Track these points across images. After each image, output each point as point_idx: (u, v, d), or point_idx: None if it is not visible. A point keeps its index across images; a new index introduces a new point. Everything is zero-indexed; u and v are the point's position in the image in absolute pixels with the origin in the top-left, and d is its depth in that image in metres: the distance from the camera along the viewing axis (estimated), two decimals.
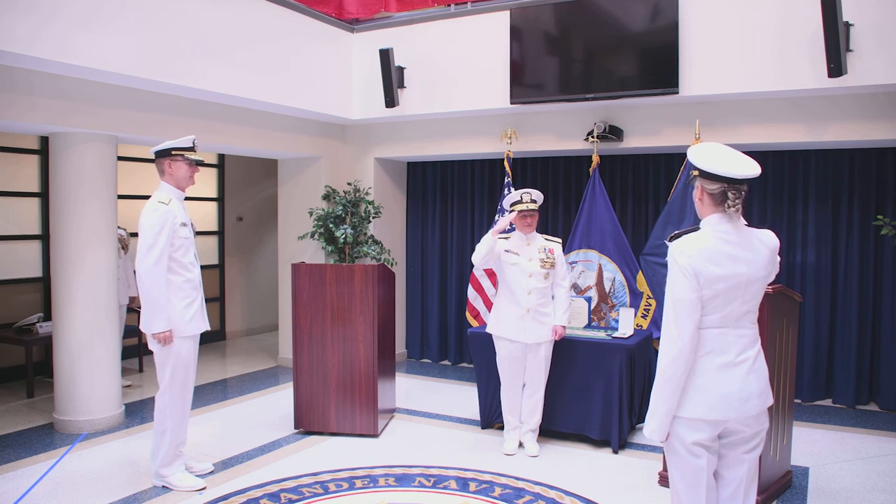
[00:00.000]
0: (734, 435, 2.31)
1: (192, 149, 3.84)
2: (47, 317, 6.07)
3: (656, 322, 5.13)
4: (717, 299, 2.22)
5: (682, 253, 2.23)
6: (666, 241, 2.40)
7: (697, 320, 2.22)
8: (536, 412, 4.42)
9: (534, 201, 4.33)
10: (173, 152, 3.78)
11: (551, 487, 3.85)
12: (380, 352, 4.67)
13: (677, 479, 2.33)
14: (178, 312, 3.72)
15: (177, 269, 3.73)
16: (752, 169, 2.23)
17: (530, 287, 4.28)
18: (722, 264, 2.22)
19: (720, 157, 2.26)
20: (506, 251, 4.33)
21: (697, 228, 2.31)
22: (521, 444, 4.48)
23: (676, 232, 2.33)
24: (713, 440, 2.29)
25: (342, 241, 6.33)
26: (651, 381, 4.86)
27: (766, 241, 2.32)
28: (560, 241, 4.50)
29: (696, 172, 2.32)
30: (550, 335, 4.32)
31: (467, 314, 5.86)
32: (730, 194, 2.23)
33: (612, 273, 5.29)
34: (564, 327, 4.37)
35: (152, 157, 3.83)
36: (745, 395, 2.25)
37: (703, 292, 2.21)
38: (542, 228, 6.40)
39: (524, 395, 4.43)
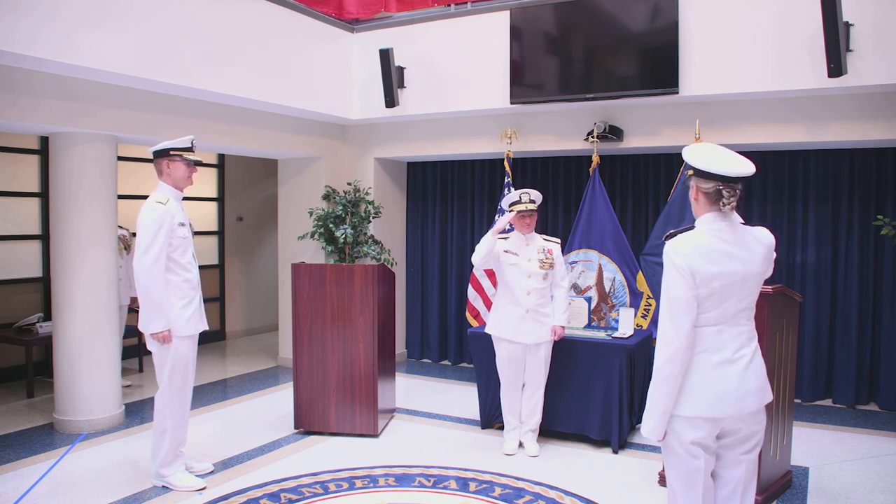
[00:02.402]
0: (732, 435, 2.31)
1: (190, 149, 3.83)
2: (47, 317, 6.07)
3: (656, 322, 5.11)
4: (712, 297, 2.23)
5: (677, 252, 2.24)
6: (662, 240, 2.42)
7: (693, 319, 2.23)
8: (536, 412, 4.42)
9: (532, 201, 4.32)
10: (171, 152, 3.78)
11: (551, 487, 3.85)
12: (380, 352, 4.67)
13: (674, 479, 2.33)
14: (176, 312, 3.72)
15: (175, 268, 3.73)
16: (746, 167, 2.25)
17: (529, 287, 4.28)
18: (717, 262, 2.23)
19: (714, 155, 2.28)
20: (505, 251, 4.33)
21: (692, 227, 2.32)
22: (521, 444, 4.48)
23: (672, 231, 2.34)
24: (712, 440, 2.29)
25: (342, 241, 6.33)
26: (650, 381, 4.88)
27: (762, 239, 2.33)
28: (559, 241, 4.48)
29: (690, 172, 2.34)
30: (550, 335, 4.32)
31: (467, 314, 5.86)
32: (724, 192, 2.25)
33: (612, 273, 5.29)
34: (563, 328, 4.37)
35: (150, 157, 3.84)
36: (741, 393, 2.25)
37: (698, 290, 2.22)
38: (542, 228, 6.39)
39: (524, 396, 4.42)
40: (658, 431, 2.27)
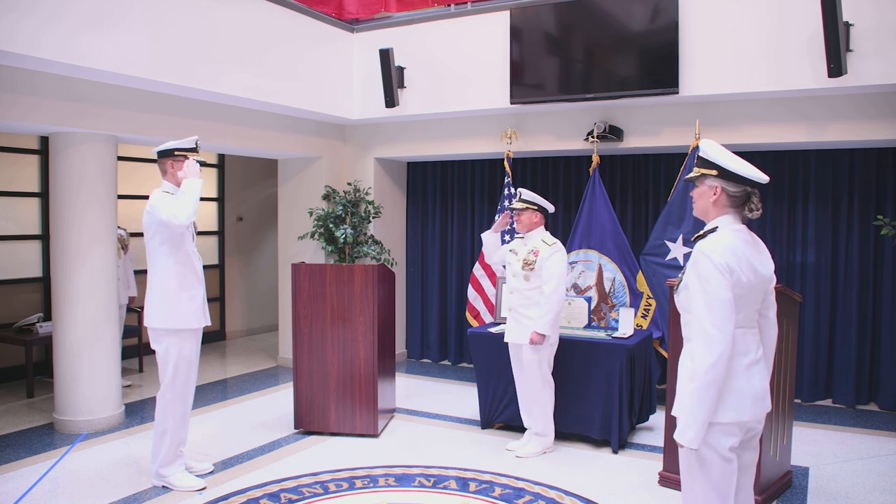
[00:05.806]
0: (749, 434, 2.31)
1: (195, 150, 3.85)
2: (47, 317, 6.07)
3: (656, 322, 5.13)
4: (742, 299, 2.21)
5: (714, 250, 2.19)
6: (691, 240, 2.42)
7: (734, 319, 2.17)
8: (536, 418, 4.36)
9: (522, 200, 4.30)
10: (176, 153, 3.80)
11: (551, 487, 3.85)
12: (380, 352, 4.67)
13: (707, 489, 2.25)
14: (182, 304, 3.74)
15: (181, 257, 3.76)
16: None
17: (513, 287, 4.35)
18: (745, 263, 2.22)
19: (738, 159, 2.28)
20: (509, 251, 4.41)
21: (715, 229, 2.29)
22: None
23: (700, 232, 2.32)
24: (739, 442, 2.27)
25: (342, 241, 6.33)
26: (651, 382, 4.87)
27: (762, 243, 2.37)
28: (553, 243, 4.26)
29: (714, 172, 2.29)
30: (528, 339, 4.18)
31: (467, 314, 5.86)
32: (754, 198, 2.26)
33: (612, 273, 5.29)
34: (541, 335, 4.12)
35: (154, 156, 3.85)
36: (763, 393, 2.26)
37: (734, 290, 2.18)
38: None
39: None
40: (699, 439, 2.17)
